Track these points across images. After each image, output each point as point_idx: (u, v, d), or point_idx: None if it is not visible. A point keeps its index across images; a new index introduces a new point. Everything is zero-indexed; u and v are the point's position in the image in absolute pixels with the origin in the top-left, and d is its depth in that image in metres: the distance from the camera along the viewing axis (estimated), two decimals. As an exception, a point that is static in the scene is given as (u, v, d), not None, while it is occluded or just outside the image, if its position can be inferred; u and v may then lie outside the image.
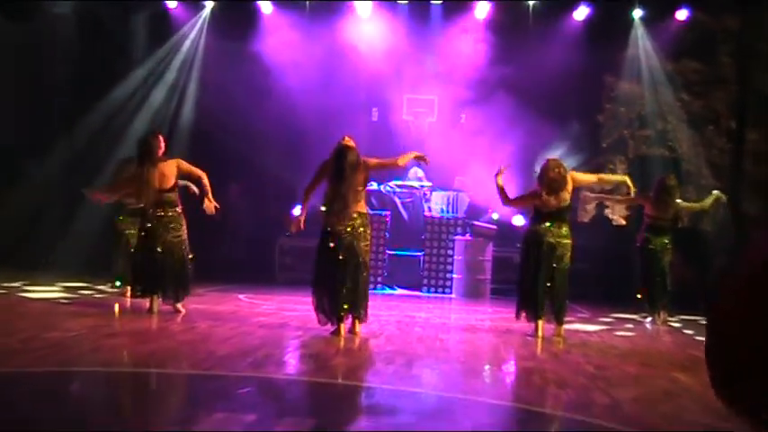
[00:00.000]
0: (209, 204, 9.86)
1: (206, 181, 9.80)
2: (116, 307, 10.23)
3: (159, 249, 9.55)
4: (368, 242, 8.68)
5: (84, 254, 15.11)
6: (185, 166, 9.78)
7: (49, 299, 10.91)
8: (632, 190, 10.44)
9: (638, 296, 12.17)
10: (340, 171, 8.44)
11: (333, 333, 8.43)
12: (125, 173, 11.00)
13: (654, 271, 11.86)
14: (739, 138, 17.22)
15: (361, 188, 8.62)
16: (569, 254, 9.44)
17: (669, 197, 11.76)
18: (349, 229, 8.49)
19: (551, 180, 9.24)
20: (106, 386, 5.80)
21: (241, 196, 17.77)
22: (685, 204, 12.34)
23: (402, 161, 9.08)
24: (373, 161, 8.71)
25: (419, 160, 9.29)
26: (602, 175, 10.05)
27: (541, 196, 9.29)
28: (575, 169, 9.76)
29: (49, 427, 4.38)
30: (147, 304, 9.65)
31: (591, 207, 17.37)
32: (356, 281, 8.50)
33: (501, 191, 9.78)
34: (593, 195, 13.42)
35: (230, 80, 17.19)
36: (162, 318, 9.26)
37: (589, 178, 9.89)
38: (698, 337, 10.58)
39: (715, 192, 12.68)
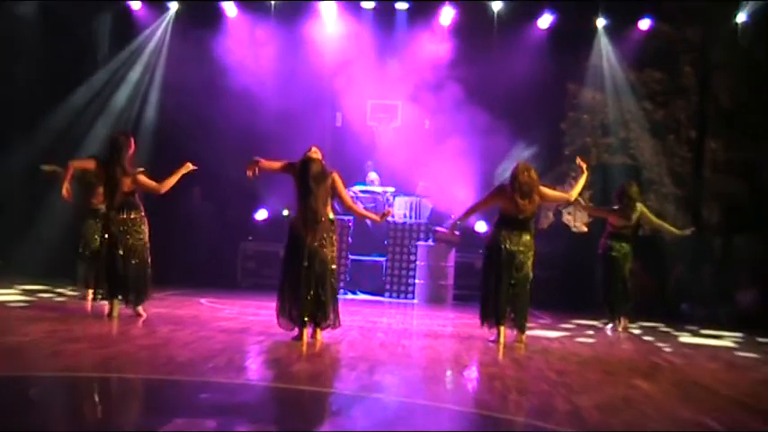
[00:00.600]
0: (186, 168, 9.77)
1: (169, 181, 9.68)
2: (76, 310, 10.12)
3: (121, 253, 9.46)
4: (334, 247, 8.66)
5: (44, 256, 14.94)
6: (142, 179, 9.57)
7: (6, 302, 10.76)
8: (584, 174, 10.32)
9: (603, 297, 12.20)
10: (305, 185, 8.43)
11: (295, 338, 8.39)
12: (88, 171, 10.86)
13: (615, 278, 11.93)
14: (699, 147, 17.41)
15: (329, 197, 8.62)
16: (531, 262, 9.42)
17: (631, 205, 11.83)
18: (314, 236, 8.46)
19: (522, 184, 9.21)
20: (64, 392, 5.72)
21: (204, 200, 17.69)
22: (651, 218, 12.33)
23: (360, 212, 9.37)
24: (340, 187, 8.68)
25: (381, 218, 9.53)
26: (573, 192, 10.05)
27: (514, 200, 9.23)
28: (543, 184, 9.66)
29: (5, 433, 4.32)
30: (107, 309, 9.55)
31: (550, 213, 17.46)
32: (323, 288, 8.48)
33: (465, 214, 9.97)
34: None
35: (194, 83, 17.09)
36: (122, 322, 9.16)
37: (559, 196, 9.81)
38: (658, 344, 10.67)
39: (681, 232, 12.71)
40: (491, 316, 9.41)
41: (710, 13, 17.20)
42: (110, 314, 9.45)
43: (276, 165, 8.82)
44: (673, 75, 17.74)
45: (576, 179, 10.93)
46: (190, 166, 9.78)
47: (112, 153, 9.50)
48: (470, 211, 10.08)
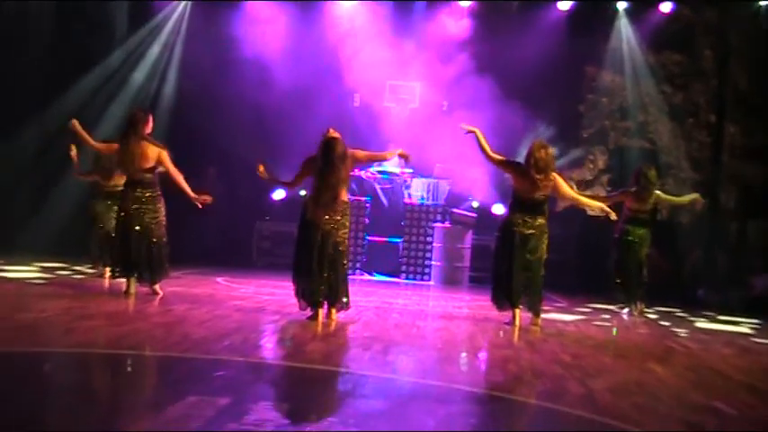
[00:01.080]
0: (198, 198, 9.78)
1: (182, 182, 9.68)
2: (93, 288, 10.18)
3: (137, 229, 9.47)
4: (347, 230, 8.66)
5: (60, 234, 15.01)
6: (166, 159, 9.57)
7: (24, 279, 10.83)
8: (611, 215, 10.26)
9: (617, 281, 12.12)
10: (329, 163, 8.43)
11: (310, 318, 8.41)
12: (105, 155, 10.90)
13: (631, 262, 11.89)
14: (718, 131, 17.30)
15: (348, 178, 8.66)
16: (545, 245, 9.38)
17: (649, 188, 11.79)
18: (328, 218, 8.47)
19: (538, 159, 9.16)
20: (79, 367, 5.76)
21: (219, 179, 17.71)
22: (664, 197, 12.33)
23: (390, 155, 9.25)
24: (362, 154, 8.78)
25: (402, 157, 9.24)
26: (582, 198, 9.99)
27: (530, 176, 9.19)
28: (559, 173, 9.58)
29: (18, 408, 4.34)
30: (124, 286, 9.59)
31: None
32: (335, 269, 8.50)
33: (483, 147, 9.66)
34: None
35: (211, 64, 17.13)
36: (139, 300, 9.21)
37: (568, 191, 9.67)
38: (674, 329, 10.65)
39: (695, 194, 12.68)
40: (504, 299, 9.40)
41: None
42: (126, 292, 9.49)
43: (300, 177, 8.89)
44: (692, 57, 17.62)
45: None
46: (207, 200, 9.80)
47: (130, 126, 9.54)
48: (485, 150, 9.62)
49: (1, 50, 16.28)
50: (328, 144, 8.51)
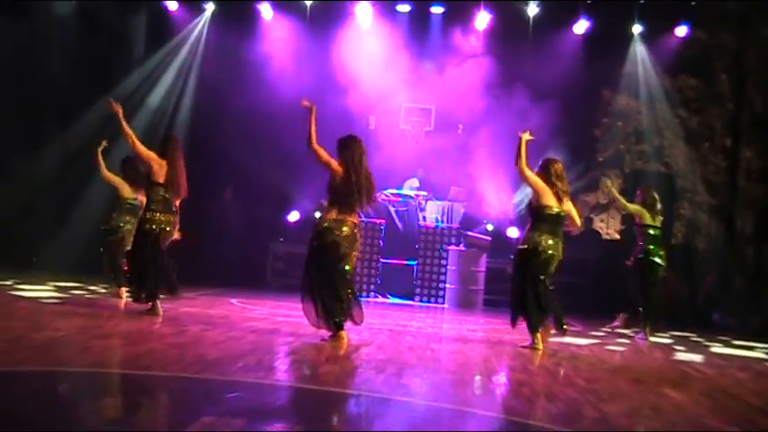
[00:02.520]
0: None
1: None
2: (107, 307, 10.22)
3: (149, 249, 9.55)
4: (355, 251, 8.63)
5: (77, 253, 15.07)
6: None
7: (39, 298, 10.87)
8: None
9: (638, 303, 12.02)
10: (350, 158, 8.55)
11: (324, 339, 8.41)
12: (129, 172, 11.08)
13: (653, 283, 11.77)
14: (734, 155, 17.24)
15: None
16: (554, 267, 9.33)
17: (655, 203, 11.78)
18: (336, 233, 8.46)
19: (556, 169, 9.31)
20: (94, 387, 5.77)
21: (235, 200, 17.78)
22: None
23: None
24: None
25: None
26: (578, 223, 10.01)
27: (555, 187, 9.23)
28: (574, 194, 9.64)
29: (33, 427, 4.35)
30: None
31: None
32: (332, 284, 8.45)
33: (519, 152, 9.61)
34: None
35: (228, 84, 17.23)
36: (153, 320, 9.23)
37: (575, 217, 9.63)
38: (689, 354, 10.59)
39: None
40: (538, 323, 9.26)
41: (746, 18, 17.07)
42: (153, 311, 9.60)
43: (324, 154, 8.80)
44: (708, 81, 17.60)
45: None
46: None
47: (177, 150, 9.68)
48: (522, 158, 9.60)
49: (23, 70, 16.43)
50: (351, 140, 8.60)
